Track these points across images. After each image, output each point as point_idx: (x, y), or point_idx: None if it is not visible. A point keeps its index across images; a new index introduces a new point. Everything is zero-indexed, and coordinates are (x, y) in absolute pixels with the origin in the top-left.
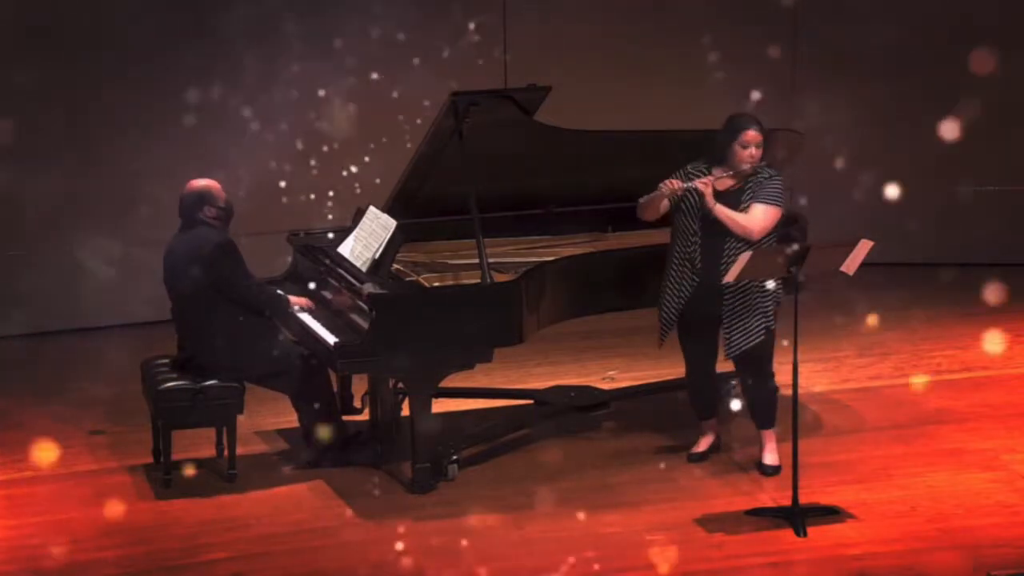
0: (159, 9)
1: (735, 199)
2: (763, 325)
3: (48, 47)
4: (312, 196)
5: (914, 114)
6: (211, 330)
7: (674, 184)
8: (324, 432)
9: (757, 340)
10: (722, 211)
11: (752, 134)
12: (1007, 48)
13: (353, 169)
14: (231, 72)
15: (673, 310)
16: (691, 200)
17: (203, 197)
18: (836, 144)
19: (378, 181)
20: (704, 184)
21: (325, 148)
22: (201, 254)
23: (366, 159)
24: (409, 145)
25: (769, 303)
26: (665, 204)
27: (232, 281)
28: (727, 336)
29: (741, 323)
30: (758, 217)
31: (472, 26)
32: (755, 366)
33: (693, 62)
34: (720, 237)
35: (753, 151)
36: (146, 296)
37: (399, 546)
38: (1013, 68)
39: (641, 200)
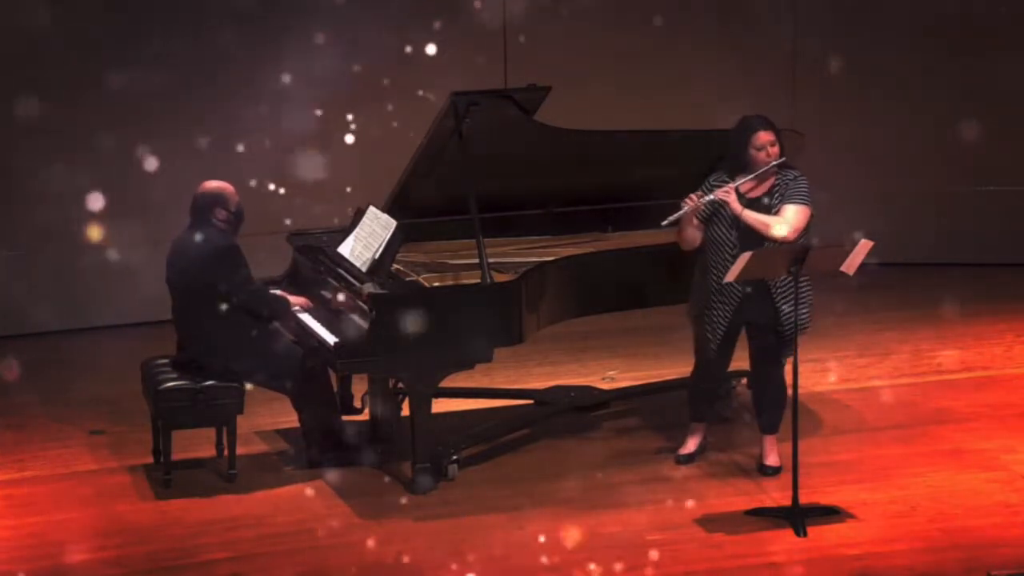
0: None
1: (764, 204)
2: (807, 315)
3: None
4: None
5: (914, 114)
6: (211, 331)
7: (695, 200)
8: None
9: (805, 326)
10: (751, 216)
11: (763, 135)
12: (1008, 48)
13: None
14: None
15: (722, 324)
16: (724, 211)
17: (216, 199)
18: (836, 144)
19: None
20: (726, 193)
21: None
22: (204, 256)
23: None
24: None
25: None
26: (699, 224)
27: (233, 285)
28: (786, 317)
29: (793, 308)
30: (790, 218)
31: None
32: (773, 363)
33: (694, 62)
34: (758, 244)
35: (769, 151)
36: (146, 296)
37: (399, 546)
38: (1014, 68)
39: (663, 223)
